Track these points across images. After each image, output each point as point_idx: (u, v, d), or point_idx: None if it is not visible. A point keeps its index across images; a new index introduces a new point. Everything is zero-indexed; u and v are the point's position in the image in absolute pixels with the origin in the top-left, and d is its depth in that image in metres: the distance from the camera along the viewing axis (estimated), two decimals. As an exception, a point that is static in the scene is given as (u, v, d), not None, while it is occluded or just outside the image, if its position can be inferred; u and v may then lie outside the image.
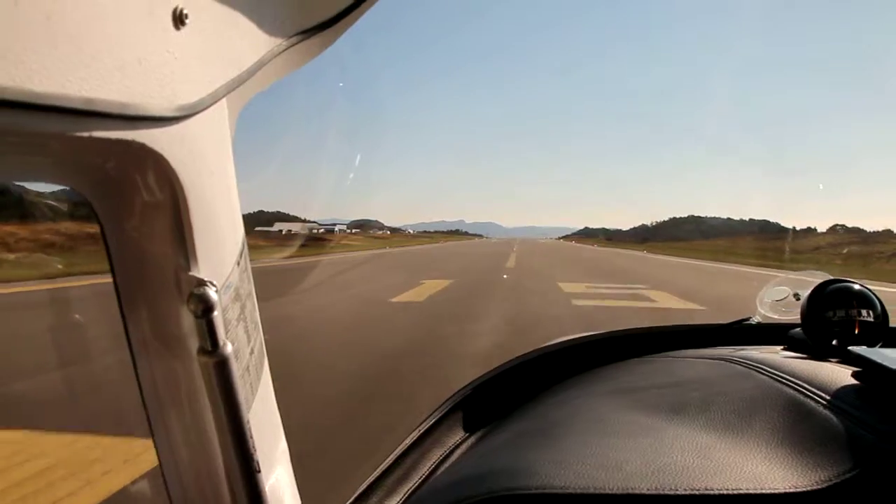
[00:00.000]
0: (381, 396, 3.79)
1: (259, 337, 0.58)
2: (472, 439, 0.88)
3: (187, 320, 0.45)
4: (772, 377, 0.64)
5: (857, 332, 0.76)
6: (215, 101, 0.44)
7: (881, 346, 0.73)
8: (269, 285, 9.30)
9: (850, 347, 0.61)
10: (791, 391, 0.59)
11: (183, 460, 0.50)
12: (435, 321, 7.03)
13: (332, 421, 3.28)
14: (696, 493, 0.46)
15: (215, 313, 0.44)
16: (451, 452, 0.85)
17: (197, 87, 0.41)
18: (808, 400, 0.56)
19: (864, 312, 0.77)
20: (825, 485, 0.45)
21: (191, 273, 0.44)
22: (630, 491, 0.47)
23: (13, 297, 7.91)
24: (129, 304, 0.45)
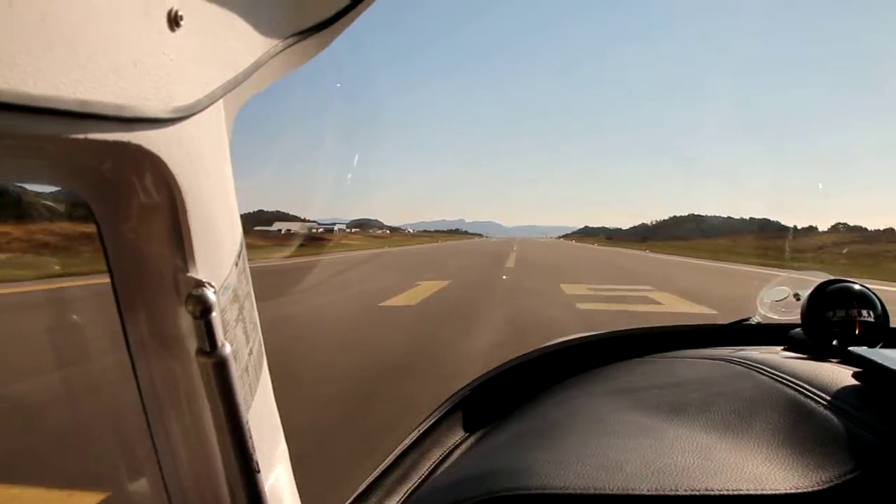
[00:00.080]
0: (342, 438, 3.01)
1: (258, 337, 0.58)
2: (471, 439, 0.88)
3: (185, 321, 0.45)
4: (772, 377, 0.64)
5: (857, 332, 0.76)
6: (212, 103, 0.44)
7: (882, 347, 0.73)
8: (254, 287, 9.05)
9: (850, 348, 0.61)
10: (791, 391, 0.59)
11: (182, 461, 0.50)
12: (426, 329, 6.40)
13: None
14: (697, 493, 0.46)
15: (213, 314, 0.44)
16: (451, 452, 0.85)
17: (193, 88, 0.41)
18: (809, 400, 0.56)
19: (864, 313, 0.77)
20: (826, 486, 0.45)
21: (189, 274, 0.44)
22: (630, 491, 0.47)
23: (6, 298, 7.80)
24: (127, 306, 0.45)
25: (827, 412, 0.53)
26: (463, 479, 0.59)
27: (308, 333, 6.06)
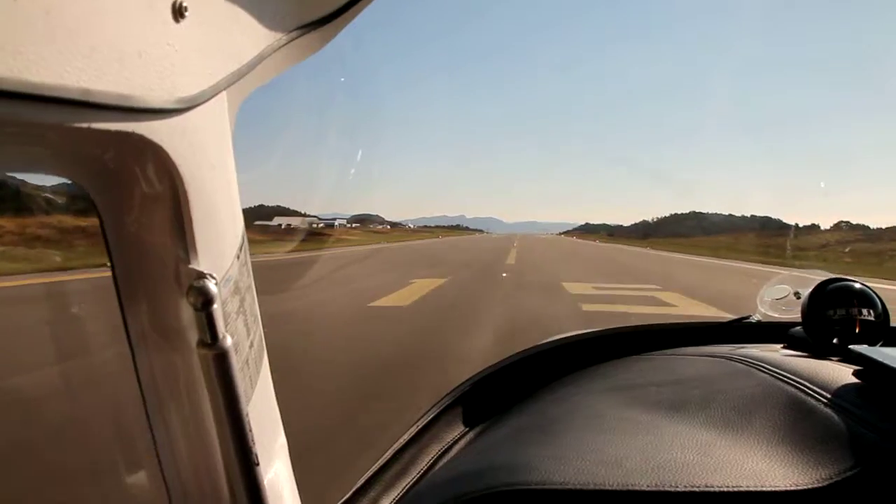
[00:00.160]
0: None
1: (259, 330, 0.58)
2: (470, 435, 0.88)
3: (187, 313, 0.45)
4: (772, 375, 0.64)
5: (857, 331, 0.76)
6: (215, 94, 0.44)
7: (882, 346, 0.73)
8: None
9: (851, 346, 0.61)
10: (792, 389, 0.59)
11: (181, 453, 0.50)
12: (414, 335, 5.89)
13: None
14: (696, 490, 0.46)
15: (215, 306, 0.44)
16: (450, 448, 0.85)
17: (197, 79, 0.41)
18: (809, 398, 0.56)
19: (864, 311, 0.77)
20: (826, 483, 0.45)
21: (190, 266, 0.44)
22: (630, 487, 0.47)
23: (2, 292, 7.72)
24: (129, 297, 0.45)
25: (827, 410, 0.53)
26: (462, 474, 0.59)
27: (282, 341, 4.96)
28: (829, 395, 0.55)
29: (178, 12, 0.38)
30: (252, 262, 0.57)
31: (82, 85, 0.31)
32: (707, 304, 8.75)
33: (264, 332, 0.59)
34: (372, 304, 8.11)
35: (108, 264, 0.44)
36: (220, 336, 0.45)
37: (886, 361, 0.53)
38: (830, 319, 0.78)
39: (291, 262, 16.29)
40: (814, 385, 0.58)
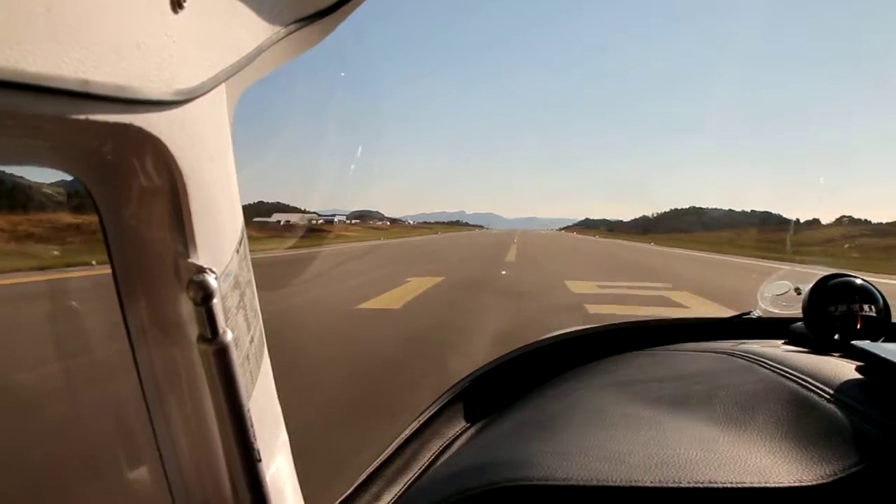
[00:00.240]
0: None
1: (259, 325, 0.58)
2: (472, 430, 0.88)
3: (186, 308, 0.45)
4: (775, 371, 0.64)
5: (859, 326, 0.76)
6: (214, 86, 0.44)
7: (883, 341, 0.72)
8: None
9: (853, 342, 0.60)
10: (794, 385, 0.59)
11: (182, 449, 0.49)
12: (402, 342, 5.25)
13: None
14: (700, 486, 0.46)
15: (215, 300, 0.43)
16: (451, 443, 0.85)
17: (196, 71, 0.41)
18: (812, 394, 0.56)
19: (866, 307, 0.77)
20: (830, 479, 0.45)
21: (190, 260, 0.43)
22: (634, 483, 0.47)
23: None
24: (128, 292, 0.45)
25: (830, 406, 0.53)
26: (464, 470, 0.59)
27: (272, 335, 4.32)
28: (831, 391, 0.55)
29: (177, 3, 0.37)
30: (256, 259, 0.56)
31: (80, 76, 0.30)
32: (723, 305, 8.01)
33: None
34: (360, 306, 7.41)
35: (107, 259, 0.44)
36: (221, 331, 0.44)
37: (889, 357, 0.52)
38: (832, 315, 0.78)
39: (284, 260, 15.71)
40: (816, 381, 0.57)
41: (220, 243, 0.48)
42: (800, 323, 0.85)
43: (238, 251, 0.52)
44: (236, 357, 0.46)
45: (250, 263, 0.56)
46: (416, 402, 3.12)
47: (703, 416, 0.59)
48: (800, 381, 0.59)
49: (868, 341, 0.60)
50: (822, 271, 0.87)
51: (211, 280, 0.43)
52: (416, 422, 0.86)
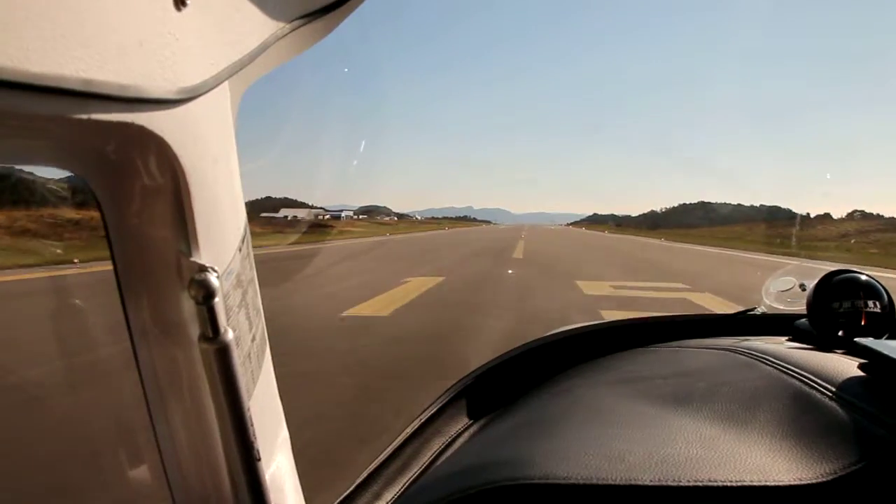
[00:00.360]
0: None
1: (261, 324, 0.57)
2: (473, 428, 0.88)
3: (188, 306, 0.44)
4: (777, 368, 0.63)
5: (863, 323, 0.76)
6: (217, 84, 0.44)
7: (888, 338, 0.72)
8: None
9: (856, 339, 0.59)
10: (796, 382, 0.58)
11: (183, 447, 0.49)
12: (383, 365, 4.28)
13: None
14: (700, 484, 0.45)
15: (216, 299, 0.43)
16: (453, 441, 0.84)
17: (198, 69, 0.41)
18: (814, 391, 0.55)
19: (870, 303, 0.76)
20: (830, 477, 0.44)
21: (192, 259, 0.43)
22: (633, 482, 0.47)
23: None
24: (130, 290, 0.44)
25: (832, 403, 0.52)
26: (465, 468, 0.59)
27: None
28: (833, 389, 0.54)
29: (180, 1, 0.37)
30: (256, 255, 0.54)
31: (82, 75, 0.30)
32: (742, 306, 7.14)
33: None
34: (347, 312, 6.63)
35: (109, 257, 0.44)
36: (222, 330, 0.44)
37: (892, 354, 0.52)
38: (836, 312, 0.77)
39: (281, 258, 14.93)
40: (818, 378, 0.57)
41: (222, 242, 0.47)
42: (804, 319, 0.84)
43: (241, 249, 0.51)
44: (237, 356, 0.46)
45: (253, 262, 0.56)
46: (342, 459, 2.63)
47: (705, 414, 0.58)
48: (802, 378, 0.58)
49: (871, 338, 0.59)
50: (817, 266, 0.89)
51: (213, 279, 0.43)
52: (418, 420, 0.85)
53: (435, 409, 0.88)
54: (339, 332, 5.75)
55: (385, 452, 0.78)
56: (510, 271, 12.36)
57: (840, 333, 0.76)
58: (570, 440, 0.57)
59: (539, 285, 9.76)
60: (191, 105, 0.40)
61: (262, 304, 0.59)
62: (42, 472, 2.19)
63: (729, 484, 0.45)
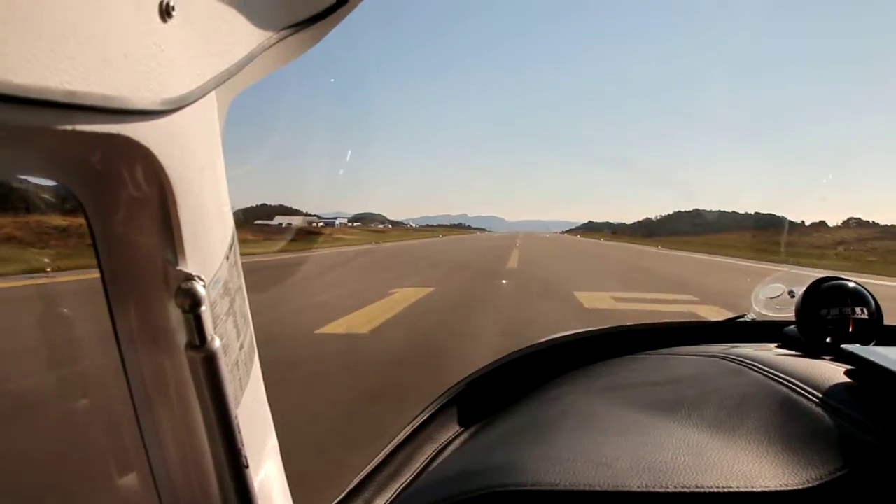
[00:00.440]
0: None
1: (249, 332, 0.57)
2: (465, 435, 0.88)
3: (175, 315, 0.45)
4: (765, 375, 0.64)
5: (851, 330, 0.77)
6: (204, 95, 0.44)
7: (875, 345, 0.73)
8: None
9: (843, 345, 0.60)
10: (784, 389, 0.59)
11: (171, 456, 0.49)
12: (348, 399, 3.59)
13: None
14: (687, 490, 0.46)
15: (203, 308, 0.44)
16: (444, 448, 0.85)
17: (184, 80, 0.41)
18: (801, 398, 0.56)
19: (858, 310, 0.77)
20: (816, 483, 0.45)
21: (178, 268, 0.44)
22: (620, 488, 0.47)
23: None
24: (117, 298, 0.45)
25: (818, 409, 0.53)
26: (456, 475, 0.60)
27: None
28: (820, 395, 0.55)
29: (166, 12, 0.37)
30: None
31: (67, 87, 0.30)
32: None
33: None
34: (319, 330, 5.80)
35: (97, 266, 0.44)
36: (209, 338, 0.44)
37: (878, 361, 0.53)
38: (824, 319, 0.78)
39: (264, 267, 13.37)
40: (806, 385, 0.58)
41: (209, 251, 0.48)
42: (793, 326, 0.85)
43: (228, 258, 0.51)
44: (224, 364, 0.46)
45: (241, 270, 0.56)
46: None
47: (693, 420, 0.58)
48: (789, 384, 0.59)
49: (858, 345, 0.60)
50: (805, 273, 0.88)
51: (199, 288, 0.43)
52: (410, 426, 0.85)
53: (427, 416, 0.88)
54: (310, 356, 4.80)
55: (377, 459, 0.78)
56: (504, 282, 11.43)
57: (828, 340, 0.77)
58: (560, 447, 0.57)
59: (534, 297, 8.88)
60: (176, 115, 0.40)
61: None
62: (28, 480, 2.16)
63: (715, 490, 0.45)
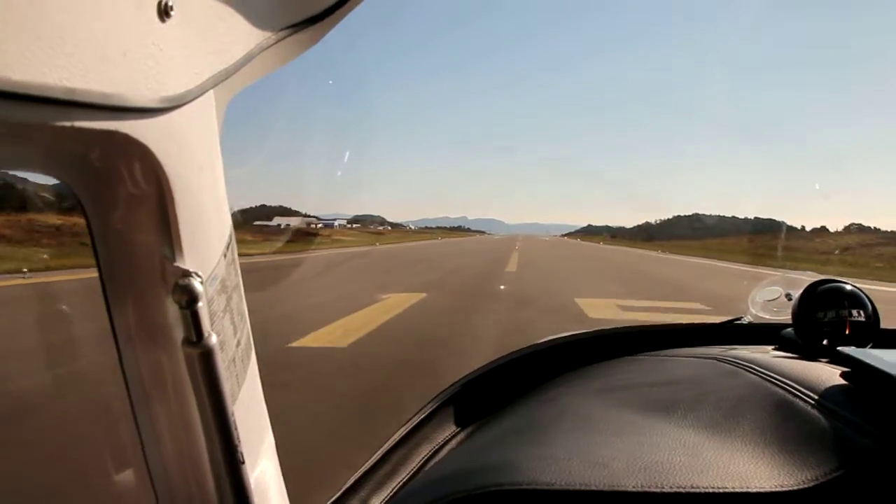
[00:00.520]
0: None
1: (246, 329, 0.57)
2: (461, 435, 0.88)
3: (172, 311, 0.45)
4: (761, 376, 0.64)
5: (847, 332, 0.77)
6: (202, 94, 0.44)
7: (871, 348, 0.72)
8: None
9: (839, 348, 0.61)
10: (780, 390, 0.59)
11: (167, 451, 0.50)
12: (308, 435, 2.96)
13: None
14: (682, 491, 0.46)
15: (200, 304, 0.44)
16: (441, 448, 0.85)
17: (183, 78, 0.41)
18: (797, 399, 0.56)
19: (855, 313, 0.78)
20: (811, 484, 0.45)
21: (176, 264, 0.44)
22: (616, 488, 0.47)
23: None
24: (115, 294, 0.45)
25: (814, 411, 0.53)
26: (452, 474, 0.60)
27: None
28: (816, 397, 0.55)
29: (164, 11, 0.38)
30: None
31: (66, 84, 0.31)
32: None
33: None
34: (295, 343, 5.24)
35: (95, 263, 0.44)
36: (206, 334, 0.45)
37: (874, 363, 0.53)
38: (821, 321, 0.78)
39: (253, 269, 12.66)
40: (801, 386, 0.58)
41: (206, 248, 0.48)
42: (790, 329, 0.85)
43: (226, 255, 0.51)
44: (221, 360, 0.46)
45: (238, 268, 0.56)
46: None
47: (689, 421, 0.59)
48: (785, 386, 0.59)
49: (854, 347, 0.60)
50: (802, 277, 0.91)
51: (196, 284, 0.44)
52: (406, 426, 0.85)
53: (423, 416, 0.88)
54: (272, 380, 4.10)
55: (373, 458, 0.78)
56: (502, 287, 11.04)
57: (825, 343, 0.77)
58: (556, 447, 0.57)
59: (534, 304, 8.43)
60: (175, 114, 0.41)
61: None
62: (25, 476, 2.15)
63: (711, 490, 0.46)
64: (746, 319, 1.13)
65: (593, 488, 0.48)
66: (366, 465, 0.78)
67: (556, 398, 0.81)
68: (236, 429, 0.48)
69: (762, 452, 0.50)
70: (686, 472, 0.48)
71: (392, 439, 0.82)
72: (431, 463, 0.81)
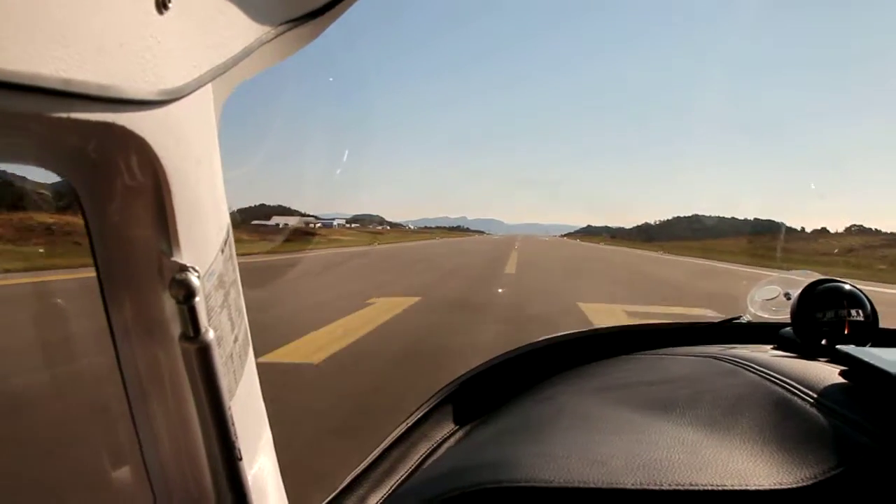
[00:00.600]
0: None
1: (244, 325, 0.57)
2: (459, 433, 0.88)
3: (169, 306, 0.45)
4: (760, 375, 0.64)
5: (846, 332, 0.77)
6: (200, 87, 0.44)
7: (870, 346, 0.72)
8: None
9: (838, 346, 0.60)
10: (779, 389, 0.59)
11: (164, 447, 0.49)
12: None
13: None
14: (681, 488, 0.46)
15: (197, 299, 0.44)
16: (439, 446, 0.85)
17: (180, 71, 0.41)
18: (795, 398, 0.56)
19: (853, 312, 0.78)
20: (810, 482, 0.45)
21: (173, 258, 0.44)
22: (614, 485, 0.47)
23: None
24: (111, 289, 0.45)
25: (813, 410, 0.53)
26: (450, 471, 0.60)
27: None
28: (815, 395, 0.55)
29: (162, 4, 0.38)
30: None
31: (62, 75, 0.30)
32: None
33: None
34: (262, 358, 4.46)
35: (91, 257, 0.44)
36: (203, 330, 0.44)
37: (872, 361, 0.53)
38: (819, 321, 0.79)
39: (247, 269, 12.30)
40: (800, 385, 0.58)
41: (204, 243, 0.48)
42: (788, 328, 0.85)
43: (223, 251, 0.51)
44: (219, 356, 0.46)
45: (236, 264, 0.56)
46: None
47: (688, 420, 0.59)
48: (784, 385, 0.59)
49: (853, 346, 0.60)
50: (803, 276, 0.90)
51: (193, 279, 0.43)
52: (404, 424, 0.85)
53: (421, 414, 0.88)
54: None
55: (371, 456, 0.78)
56: (500, 290, 10.57)
57: (823, 342, 0.77)
58: (554, 445, 0.57)
59: (534, 309, 7.95)
60: (172, 107, 0.40)
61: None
62: (23, 473, 2.14)
63: (710, 488, 0.46)
64: (745, 318, 1.13)
65: (591, 486, 0.48)
66: (364, 462, 0.77)
67: (554, 396, 0.81)
68: (234, 425, 0.48)
69: (761, 450, 0.50)
70: (685, 470, 0.48)
71: (390, 437, 0.82)
72: (430, 461, 0.81)
